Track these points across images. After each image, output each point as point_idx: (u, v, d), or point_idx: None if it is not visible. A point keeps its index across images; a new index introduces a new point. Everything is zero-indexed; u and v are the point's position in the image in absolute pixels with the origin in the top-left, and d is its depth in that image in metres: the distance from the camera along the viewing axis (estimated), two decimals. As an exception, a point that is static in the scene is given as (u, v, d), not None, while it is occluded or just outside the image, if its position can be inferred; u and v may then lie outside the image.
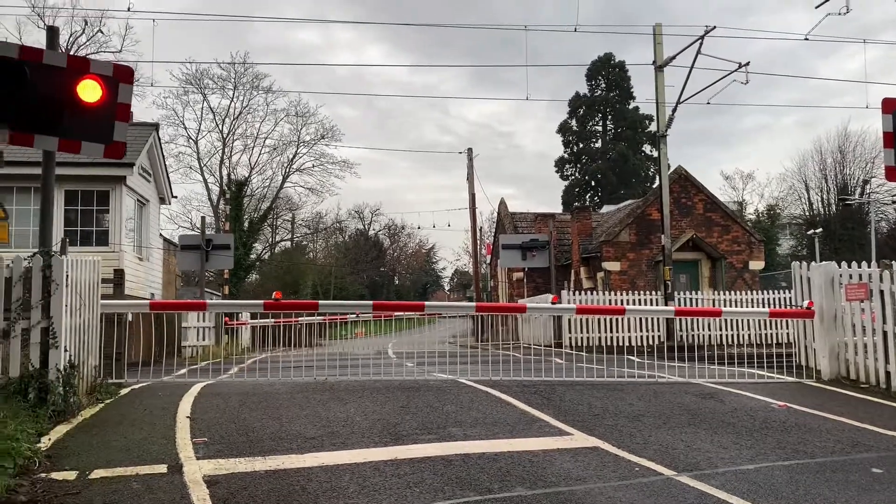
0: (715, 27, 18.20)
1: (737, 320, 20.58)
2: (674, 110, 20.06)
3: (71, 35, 32.60)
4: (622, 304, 19.76)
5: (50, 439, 6.05)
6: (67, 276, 7.14)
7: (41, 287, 6.92)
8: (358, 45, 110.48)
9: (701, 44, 18.58)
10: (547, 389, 8.93)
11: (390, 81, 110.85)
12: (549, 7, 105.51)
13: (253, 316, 24.20)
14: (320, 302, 9.32)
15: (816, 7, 14.66)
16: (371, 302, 9.52)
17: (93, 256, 7.98)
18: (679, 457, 5.87)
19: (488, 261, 39.78)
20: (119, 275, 12.34)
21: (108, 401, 7.96)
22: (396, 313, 9.20)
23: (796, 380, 10.25)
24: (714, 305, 20.47)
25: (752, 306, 20.72)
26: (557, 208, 69.24)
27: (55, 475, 5.14)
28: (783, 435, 6.76)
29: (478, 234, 37.84)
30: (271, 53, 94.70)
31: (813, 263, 10.58)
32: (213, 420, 7.00)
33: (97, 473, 5.18)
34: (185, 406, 7.68)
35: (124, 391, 8.83)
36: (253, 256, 47.46)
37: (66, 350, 7.10)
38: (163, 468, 5.33)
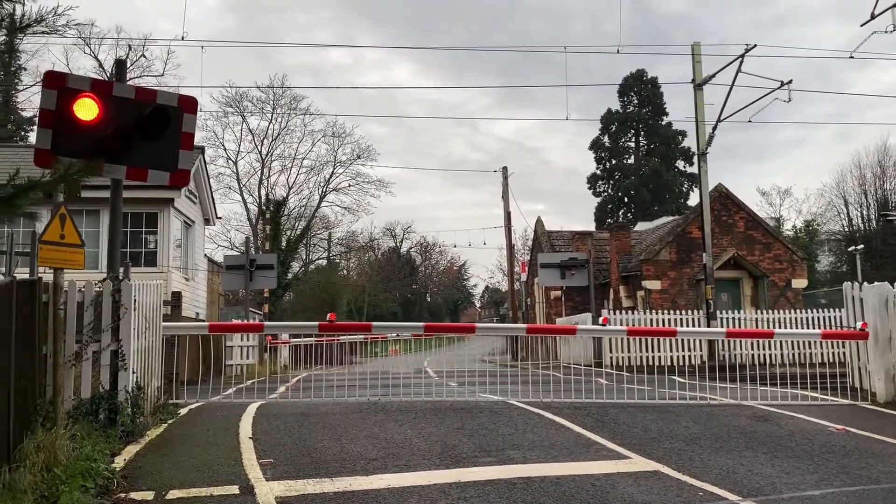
0: (755, 45, 18.18)
1: (779, 339, 20.31)
2: (714, 128, 20.00)
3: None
4: (668, 323, 19.67)
5: (123, 459, 6.24)
6: (135, 300, 7.38)
7: (111, 311, 7.16)
8: (386, 64, 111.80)
9: (741, 62, 18.55)
10: (599, 411, 8.95)
11: (419, 99, 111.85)
12: (577, 24, 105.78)
13: (293, 335, 24.48)
14: (374, 324, 9.47)
15: (862, 25, 14.58)
16: (423, 324, 9.63)
17: (156, 280, 8.22)
18: (741, 481, 5.86)
19: (523, 279, 39.74)
20: (176, 297, 12.66)
21: (170, 421, 8.17)
22: (448, 334, 9.26)
23: (851, 402, 10.12)
24: (757, 324, 20.26)
25: (800, 326, 20.45)
26: (589, 225, 69.07)
27: (133, 495, 5.31)
28: (845, 459, 6.70)
29: (513, 252, 37.87)
30: (303, 72, 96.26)
31: (865, 284, 10.47)
32: (275, 441, 7.15)
33: (173, 494, 5.33)
34: (246, 427, 7.85)
35: (183, 411, 9.05)
36: (290, 275, 47.99)
37: (133, 372, 7.31)
38: (235, 489, 5.46)
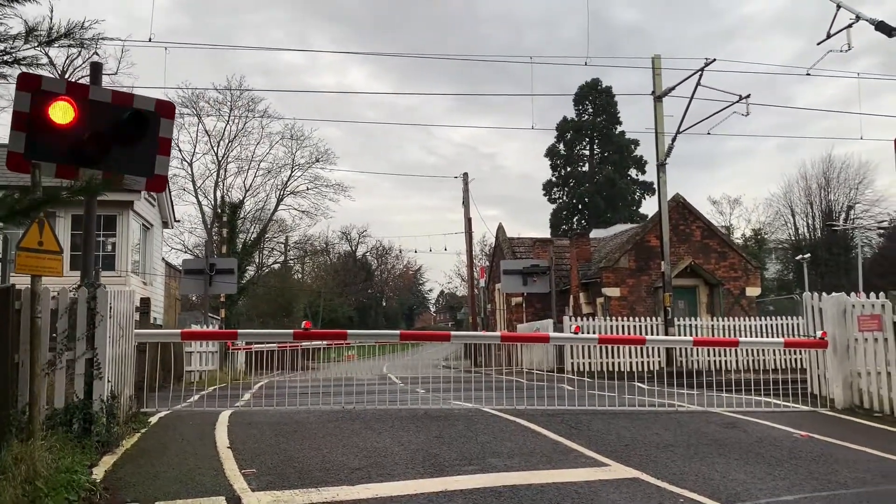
0: (714, 59, 18.66)
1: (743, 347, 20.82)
2: (674, 140, 20.48)
3: (67, 58, 32.66)
4: (631, 330, 20.03)
5: (103, 471, 6.12)
6: (110, 307, 7.25)
7: (87, 318, 7.01)
8: (341, 67, 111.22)
9: (701, 75, 19.03)
10: (572, 419, 9.09)
11: (375, 102, 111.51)
12: (533, 31, 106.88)
13: (249, 342, 24.11)
14: (349, 332, 9.46)
15: (819, 43, 15.12)
16: (399, 332, 9.66)
17: (126, 287, 8.07)
18: (718, 487, 6.03)
19: (482, 284, 39.96)
20: (145, 303, 12.37)
21: (143, 430, 8.02)
22: (426, 342, 9.21)
23: (811, 409, 10.47)
24: (714, 332, 20.77)
25: (755, 334, 21.04)
26: (545, 230, 69.82)
27: (118, 508, 5.23)
28: (812, 465, 6.94)
29: (474, 258, 38.05)
30: (257, 72, 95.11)
31: (825, 294, 10.85)
32: (254, 450, 7.09)
33: (159, 506, 5.27)
34: (222, 435, 7.76)
35: (153, 419, 8.89)
36: (245, 279, 47.36)
37: (108, 381, 7.18)
38: (222, 500, 5.41)
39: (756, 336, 21.05)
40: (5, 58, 3.97)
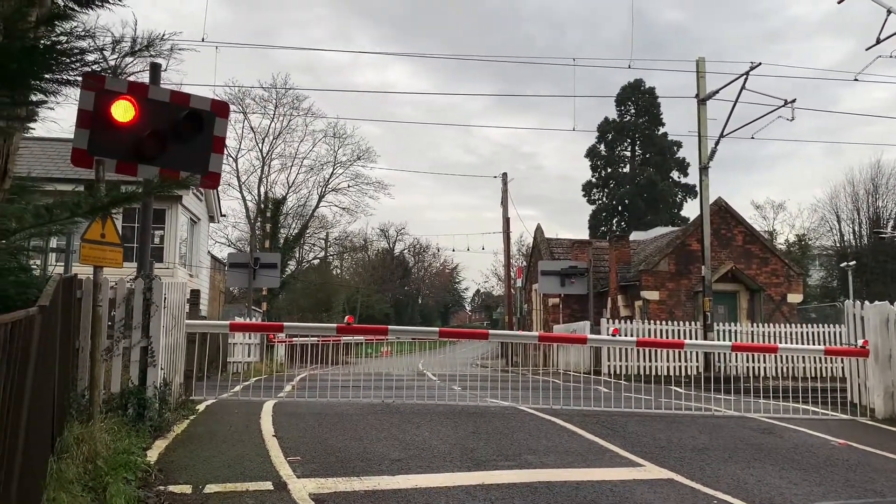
0: (760, 63, 18.50)
1: (782, 353, 20.60)
2: (717, 143, 20.32)
3: (123, 55, 33.56)
4: (671, 334, 19.95)
5: (156, 454, 6.43)
6: (165, 298, 7.57)
7: (142, 308, 7.35)
8: (382, 64, 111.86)
9: (745, 80, 18.87)
10: (608, 420, 9.19)
11: (415, 100, 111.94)
12: (575, 30, 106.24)
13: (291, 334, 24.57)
14: (390, 328, 9.69)
15: (867, 49, 14.92)
16: (437, 329, 9.86)
17: (182, 279, 8.39)
18: (753, 491, 6.11)
19: (519, 284, 40.00)
20: (195, 295, 12.78)
21: (191, 417, 8.35)
22: (462, 340, 9.35)
23: (850, 417, 10.41)
24: (754, 338, 20.56)
25: (797, 341, 20.79)
26: (583, 231, 69.43)
27: (172, 488, 5.50)
28: (849, 473, 6.96)
29: (511, 258, 38.12)
30: (301, 69, 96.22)
31: (867, 303, 10.76)
32: (298, 439, 7.35)
33: (210, 488, 5.53)
34: (267, 425, 8.05)
35: (200, 407, 9.24)
36: (286, 274, 48.14)
37: (161, 368, 7.50)
38: (269, 485, 5.67)
39: (796, 343, 20.79)
40: (94, 67, 4.25)
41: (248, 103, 48.63)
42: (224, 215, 26.90)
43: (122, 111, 7.45)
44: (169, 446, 6.83)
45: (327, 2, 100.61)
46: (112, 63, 4.91)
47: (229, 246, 47.23)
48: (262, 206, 47.97)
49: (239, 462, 6.36)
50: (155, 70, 8.34)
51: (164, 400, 7.43)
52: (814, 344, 20.77)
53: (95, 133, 7.46)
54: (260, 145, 49.70)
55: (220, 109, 8.03)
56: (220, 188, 48.12)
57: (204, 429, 7.78)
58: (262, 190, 49.58)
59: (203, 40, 17.01)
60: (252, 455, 6.62)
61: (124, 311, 7.30)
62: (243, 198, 49.49)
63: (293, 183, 50.93)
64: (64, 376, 6.61)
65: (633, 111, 70.88)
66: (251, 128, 50.01)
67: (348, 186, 52.18)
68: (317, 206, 51.59)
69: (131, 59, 4.47)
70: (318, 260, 57.39)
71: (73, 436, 5.84)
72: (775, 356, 20.54)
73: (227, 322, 11.23)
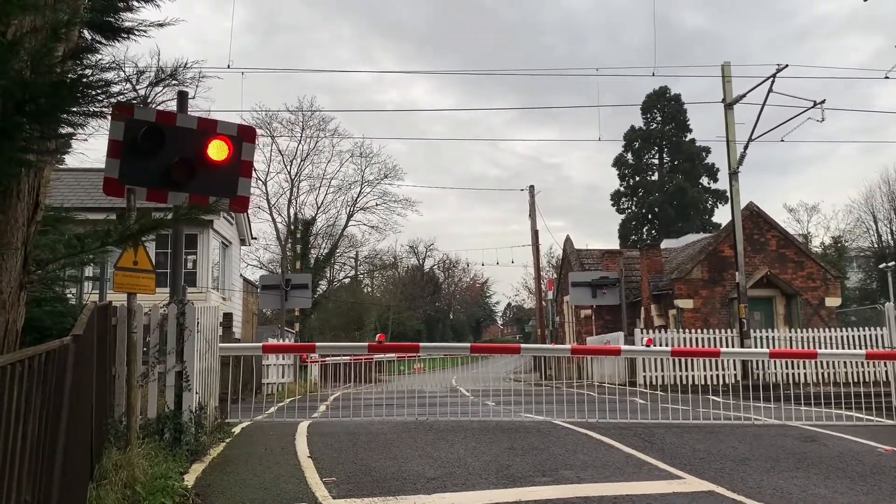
0: (787, 65, 18.27)
1: (821, 359, 20.17)
2: (746, 147, 20.09)
3: (148, 84, 34.27)
4: (706, 343, 19.67)
5: (193, 478, 6.47)
6: (198, 322, 7.64)
7: (176, 333, 7.42)
8: (406, 82, 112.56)
9: (773, 82, 18.66)
10: (645, 432, 9.05)
11: (438, 116, 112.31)
12: (596, 38, 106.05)
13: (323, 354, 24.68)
14: (422, 344, 9.66)
15: (897, 46, 14.60)
16: (469, 345, 9.82)
17: (214, 303, 8.47)
18: (797, 502, 5.95)
19: (550, 297, 39.77)
20: (228, 318, 12.90)
21: (227, 440, 8.40)
22: (494, 355, 9.32)
23: (894, 422, 10.14)
24: (792, 344, 20.17)
25: (836, 345, 20.33)
26: (613, 242, 68.86)
27: (209, 512, 5.53)
28: (897, 480, 6.76)
29: (541, 270, 37.96)
30: (326, 90, 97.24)
31: (908, 304, 10.50)
32: (333, 459, 7.35)
33: (247, 511, 5.55)
34: (302, 445, 8.06)
35: (236, 430, 9.30)
36: (317, 294, 48.43)
37: (196, 392, 7.56)
38: (305, 506, 5.67)
39: (836, 348, 20.32)
40: (119, 98, 4.33)
41: (276, 127, 49.19)
42: (255, 238, 27.18)
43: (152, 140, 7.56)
44: (206, 470, 6.87)
45: (349, 23, 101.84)
46: (142, 93, 5.00)
47: (261, 268, 47.74)
48: (293, 227, 48.39)
49: (275, 484, 6.37)
50: (182, 98, 8.49)
51: (200, 423, 7.48)
52: (854, 348, 20.30)
53: (125, 162, 7.61)
54: (288, 167, 50.24)
55: (246, 134, 8.11)
56: (250, 211, 48.73)
57: (240, 451, 7.82)
58: (292, 211, 50.06)
59: (229, 67, 17.33)
60: (288, 476, 6.63)
61: (158, 336, 7.38)
62: (273, 220, 50.05)
63: (322, 203, 51.33)
64: (101, 403, 6.69)
65: (659, 118, 70.41)
66: (279, 150, 50.55)
67: (376, 205, 52.45)
68: (346, 226, 51.93)
69: (159, 88, 4.52)
70: (349, 279, 57.66)
71: (111, 462, 5.90)
72: (815, 362, 20.12)
73: (260, 344, 11.31)
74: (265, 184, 50.11)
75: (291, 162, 50.26)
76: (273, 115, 49.11)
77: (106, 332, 6.84)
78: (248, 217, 23.41)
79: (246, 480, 6.48)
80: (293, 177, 50.13)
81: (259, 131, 48.21)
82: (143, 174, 7.52)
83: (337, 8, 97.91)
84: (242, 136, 8.06)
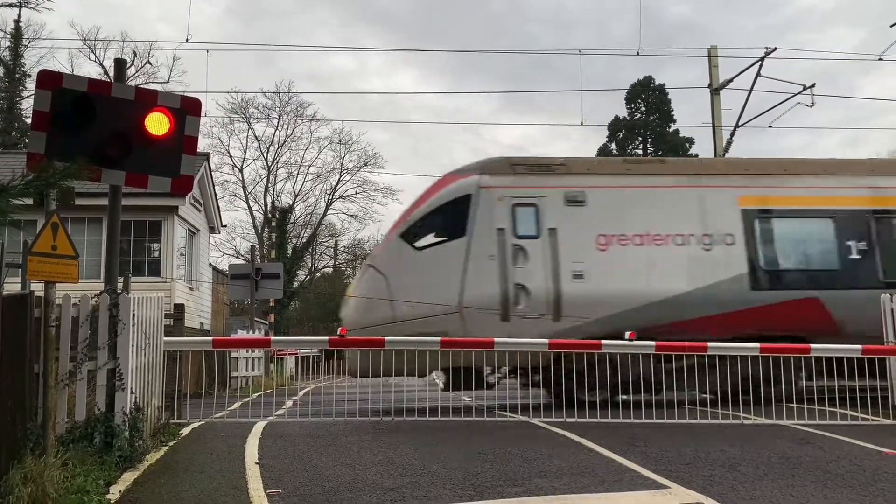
0: (776, 48, 17.70)
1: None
2: (732, 134, 19.52)
3: (115, 60, 33.16)
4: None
5: (119, 490, 5.74)
6: (134, 314, 6.90)
7: (108, 327, 6.68)
8: (390, 69, 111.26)
9: (761, 65, 18.06)
10: (627, 432, 8.43)
11: (422, 105, 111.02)
12: (583, 30, 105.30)
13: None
14: (387, 339, 8.95)
15: (892, 25, 14.10)
16: (439, 339, 9.13)
17: (157, 293, 7.75)
18: (795, 516, 5.34)
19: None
20: (179, 309, 12.17)
21: (171, 443, 7.69)
22: (464, 349, 8.70)
23: (894, 422, 9.58)
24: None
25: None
26: (598, 232, 68.42)
27: (128, 533, 4.82)
28: (902, 489, 6.16)
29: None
30: (308, 78, 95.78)
31: (904, 296, 9.93)
32: (283, 467, 6.65)
33: (172, 532, 4.85)
34: (252, 450, 7.36)
35: (185, 431, 8.58)
36: (296, 284, 47.56)
37: (132, 392, 6.83)
38: (240, 526, 4.97)
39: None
40: None
41: (252, 112, 48.10)
42: (225, 226, 26.31)
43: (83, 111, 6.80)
44: (138, 479, 6.14)
45: (334, 12, 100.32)
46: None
47: (238, 258, 46.61)
48: (269, 215, 47.43)
49: (212, 497, 5.66)
50: (120, 66, 7.71)
51: (136, 427, 6.74)
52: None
53: (53, 136, 6.84)
54: (265, 154, 49.13)
55: (190, 107, 7.34)
56: (226, 199, 47.76)
57: (182, 456, 7.10)
58: (269, 199, 49.02)
59: (187, 41, 16.33)
60: (228, 488, 5.92)
61: (88, 329, 6.62)
62: (249, 208, 48.96)
63: (300, 191, 50.26)
64: (18, 406, 5.94)
65: (643, 109, 69.97)
66: (255, 137, 49.43)
67: (356, 193, 51.42)
68: (324, 214, 50.85)
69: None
70: (330, 269, 56.69)
71: (20, 474, 5.15)
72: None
73: (211, 338, 10.57)
74: (241, 171, 49.08)
75: (268, 148, 49.23)
76: (249, 99, 48.05)
77: (25, 326, 6.08)
78: (217, 203, 22.53)
79: (180, 493, 5.76)
80: (270, 164, 49.13)
81: (234, 116, 47.22)
82: (71, 150, 6.75)
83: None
84: (186, 109, 7.28)
